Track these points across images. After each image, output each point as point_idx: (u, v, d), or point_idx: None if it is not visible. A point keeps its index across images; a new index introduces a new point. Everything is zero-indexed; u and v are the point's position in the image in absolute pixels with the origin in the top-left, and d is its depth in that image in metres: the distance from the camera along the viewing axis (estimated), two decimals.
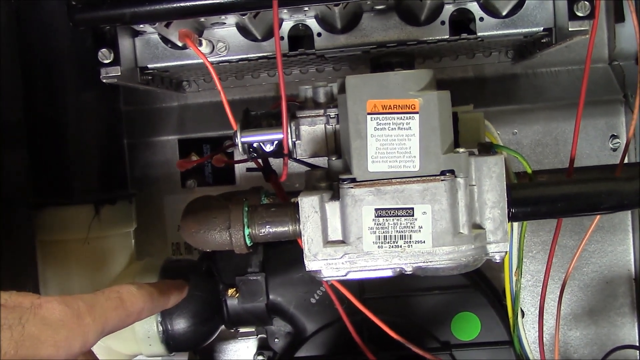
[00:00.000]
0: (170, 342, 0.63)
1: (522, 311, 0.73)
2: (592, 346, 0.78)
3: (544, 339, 0.64)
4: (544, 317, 0.63)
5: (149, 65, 0.62)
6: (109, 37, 0.57)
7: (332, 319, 0.66)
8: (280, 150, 0.55)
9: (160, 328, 0.62)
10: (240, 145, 0.55)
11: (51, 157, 0.64)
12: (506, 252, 0.51)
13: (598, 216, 0.60)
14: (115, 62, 0.57)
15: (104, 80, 0.57)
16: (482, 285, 0.67)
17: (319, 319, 0.66)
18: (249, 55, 0.61)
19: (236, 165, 0.79)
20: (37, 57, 0.62)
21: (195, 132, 0.80)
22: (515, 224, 0.57)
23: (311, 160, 0.58)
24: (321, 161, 0.56)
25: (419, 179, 0.49)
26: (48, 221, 0.63)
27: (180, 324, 0.62)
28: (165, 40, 0.60)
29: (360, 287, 0.65)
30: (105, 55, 0.56)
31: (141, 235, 0.73)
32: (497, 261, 0.51)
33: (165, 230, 0.80)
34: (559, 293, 0.65)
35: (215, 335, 0.67)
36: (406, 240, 0.49)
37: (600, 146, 0.75)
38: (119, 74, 0.57)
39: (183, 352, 0.76)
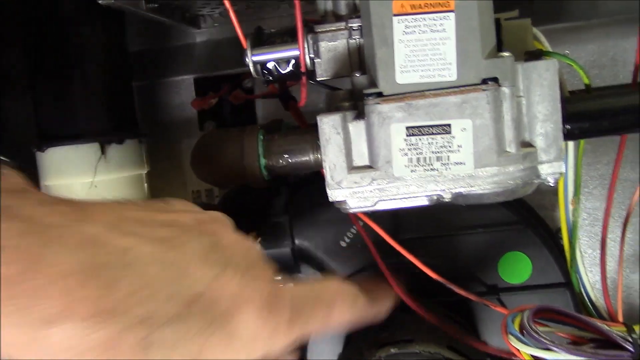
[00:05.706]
0: None
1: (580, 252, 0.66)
2: None
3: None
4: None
5: None
6: None
7: (365, 264, 0.60)
8: (297, 70, 0.49)
9: None
10: (251, 65, 0.49)
11: (54, 95, 0.59)
12: (561, 173, 0.44)
13: None
14: None
15: (100, 2, 0.52)
16: (533, 221, 0.60)
17: (351, 264, 0.60)
18: None
19: (258, 103, 0.73)
20: None
21: (212, 71, 0.73)
22: (571, 144, 0.49)
23: (334, 83, 0.51)
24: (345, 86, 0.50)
25: (456, 89, 0.42)
26: (53, 164, 0.58)
27: None
28: None
29: (395, 227, 0.59)
30: None
31: (159, 183, 0.68)
32: (551, 184, 0.44)
33: (184, 177, 0.75)
34: (620, 233, 0.57)
35: None
36: (443, 162, 0.43)
37: None
38: None
39: None
